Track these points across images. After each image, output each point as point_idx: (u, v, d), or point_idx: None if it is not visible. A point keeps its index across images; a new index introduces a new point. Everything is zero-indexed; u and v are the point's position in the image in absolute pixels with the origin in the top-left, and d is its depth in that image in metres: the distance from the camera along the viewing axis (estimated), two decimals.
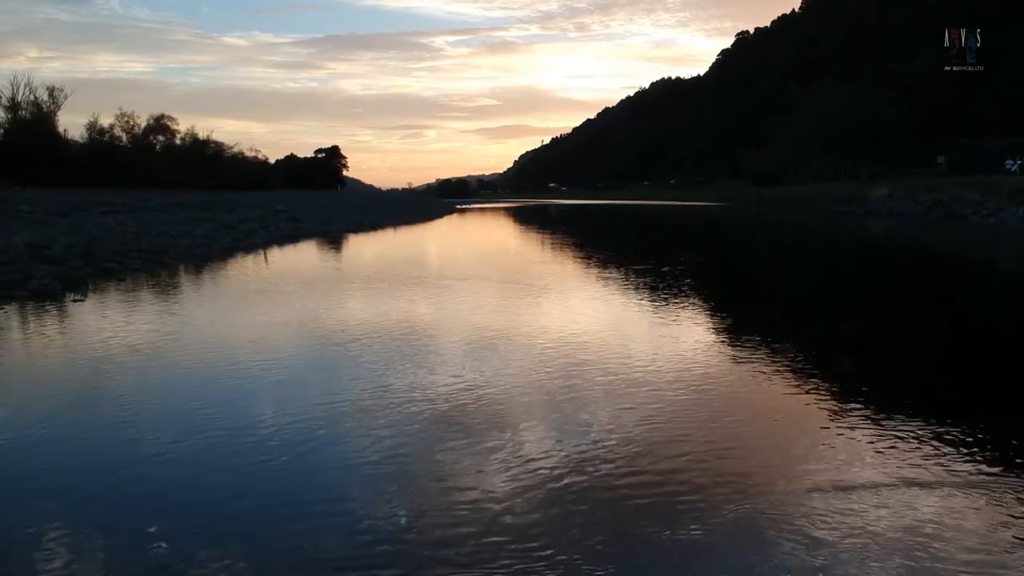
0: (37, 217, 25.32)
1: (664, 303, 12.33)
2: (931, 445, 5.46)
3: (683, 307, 11.96)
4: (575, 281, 15.93)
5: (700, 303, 12.78)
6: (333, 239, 29.59)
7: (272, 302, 12.72)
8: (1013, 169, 50.48)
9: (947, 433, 5.73)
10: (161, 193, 52.55)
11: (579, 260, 21.78)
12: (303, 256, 23.21)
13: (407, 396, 6.60)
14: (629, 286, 14.64)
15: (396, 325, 10.14)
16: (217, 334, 9.84)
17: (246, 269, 18.78)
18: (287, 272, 18.28)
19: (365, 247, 28.04)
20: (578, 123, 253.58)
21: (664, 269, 17.47)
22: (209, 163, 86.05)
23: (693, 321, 10.76)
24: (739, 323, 10.92)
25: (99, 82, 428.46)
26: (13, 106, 68.59)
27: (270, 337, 9.53)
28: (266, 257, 21.79)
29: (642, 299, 12.94)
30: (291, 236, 28.52)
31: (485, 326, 10.08)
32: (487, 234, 39.83)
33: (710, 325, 10.77)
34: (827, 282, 17.16)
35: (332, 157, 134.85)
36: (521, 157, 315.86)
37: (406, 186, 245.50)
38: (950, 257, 23.35)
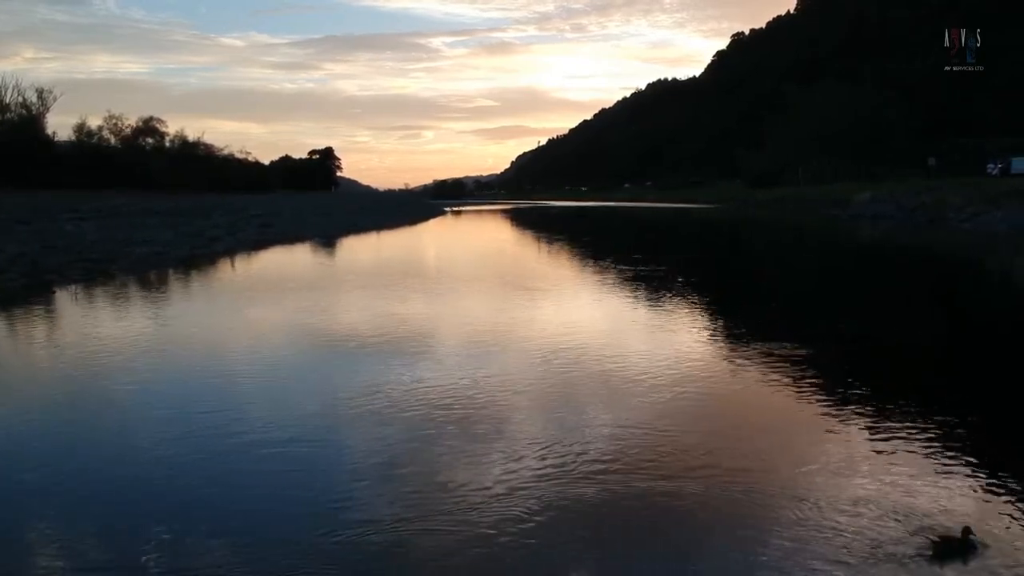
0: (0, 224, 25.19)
1: (630, 322, 12.10)
2: (927, 444, 5.59)
3: (654, 324, 11.70)
4: (531, 293, 15.65)
5: (675, 309, 12.52)
6: (302, 245, 29.35)
7: (179, 322, 12.32)
8: (994, 172, 50.13)
9: (943, 433, 5.88)
10: (158, 196, 52.30)
11: (547, 269, 21.53)
12: (257, 265, 22.98)
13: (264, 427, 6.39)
14: (591, 303, 14.40)
15: (313, 346, 9.94)
16: (100, 359, 9.41)
17: (184, 281, 18.53)
18: (225, 285, 18.07)
19: (327, 254, 27.80)
20: (575, 124, 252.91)
21: (635, 282, 17.21)
22: (204, 165, 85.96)
23: (666, 334, 10.48)
24: (713, 324, 10.81)
25: (96, 83, 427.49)
26: (1, 108, 68.56)
27: (145, 365, 8.99)
28: (233, 264, 21.69)
29: (605, 324, 12.69)
30: (257, 242, 28.27)
31: (410, 345, 9.85)
32: (464, 238, 39.63)
33: (687, 330, 10.52)
34: (792, 284, 16.92)
35: (326, 158, 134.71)
36: (519, 158, 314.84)
37: (403, 187, 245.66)
38: (909, 257, 23.11)
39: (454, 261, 24.56)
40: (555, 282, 17.34)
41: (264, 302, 14.50)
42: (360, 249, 30.26)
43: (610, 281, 17.23)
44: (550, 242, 34.10)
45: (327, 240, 32.45)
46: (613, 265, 21.55)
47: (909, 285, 17.48)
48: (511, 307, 13.28)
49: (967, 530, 4.10)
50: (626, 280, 17.42)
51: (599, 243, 32.89)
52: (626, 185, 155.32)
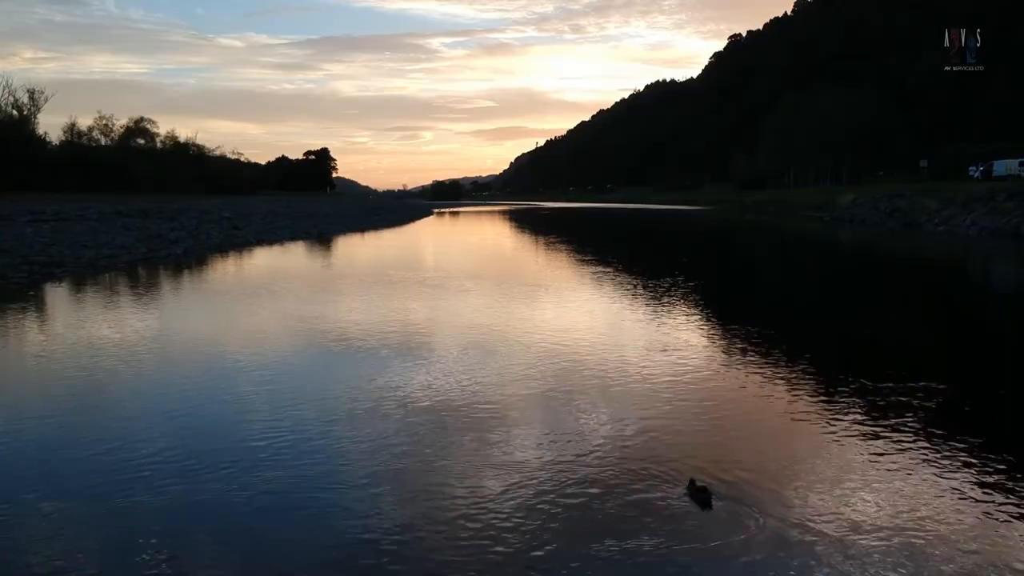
0: None
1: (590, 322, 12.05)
2: (915, 441, 5.83)
3: (605, 323, 11.67)
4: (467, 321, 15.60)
5: (629, 307, 12.50)
6: (266, 248, 29.23)
7: (83, 329, 12.22)
8: (976, 175, 50.05)
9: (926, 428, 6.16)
10: (142, 197, 52.09)
11: (510, 268, 21.45)
12: (203, 269, 22.93)
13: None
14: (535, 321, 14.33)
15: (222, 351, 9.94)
16: None
17: (120, 285, 18.49)
18: (149, 289, 18.06)
19: (285, 259, 27.73)
20: (574, 125, 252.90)
21: (603, 280, 17.12)
22: (195, 166, 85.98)
23: (625, 332, 10.46)
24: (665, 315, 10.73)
25: (95, 83, 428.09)
26: None
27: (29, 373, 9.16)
28: (181, 268, 21.64)
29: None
30: (219, 246, 28.18)
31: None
32: (440, 241, 39.62)
33: (645, 325, 10.52)
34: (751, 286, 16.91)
35: (322, 159, 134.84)
36: (517, 159, 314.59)
37: (401, 188, 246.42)
38: (868, 259, 23.16)
39: (416, 263, 24.47)
40: (506, 281, 17.27)
41: (177, 308, 14.47)
42: (322, 254, 30.14)
43: (572, 278, 17.14)
44: (527, 242, 34.05)
45: (295, 244, 32.37)
46: (581, 261, 21.45)
47: (856, 285, 17.43)
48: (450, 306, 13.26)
49: (692, 481, 5.11)
50: (594, 277, 17.36)
51: (571, 241, 32.80)
52: (617, 187, 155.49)
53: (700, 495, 4.96)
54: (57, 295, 16.13)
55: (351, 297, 15.75)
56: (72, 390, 8.12)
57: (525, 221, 59.31)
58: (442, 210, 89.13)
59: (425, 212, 76.68)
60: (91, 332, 11.44)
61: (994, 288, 18.88)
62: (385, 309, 13.63)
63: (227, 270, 22.32)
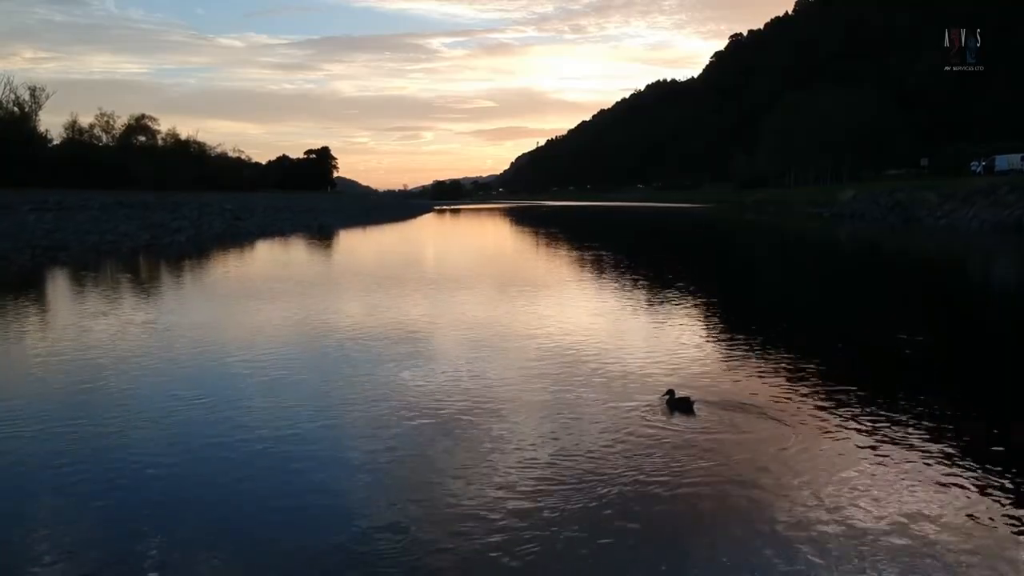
0: None
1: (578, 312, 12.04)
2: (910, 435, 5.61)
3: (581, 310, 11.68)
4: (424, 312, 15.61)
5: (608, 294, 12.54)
6: (266, 240, 29.22)
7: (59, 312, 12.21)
8: (977, 170, 50.06)
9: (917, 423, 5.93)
10: (144, 193, 51.82)
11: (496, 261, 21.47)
12: (199, 256, 22.88)
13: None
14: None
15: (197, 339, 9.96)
16: None
17: (124, 268, 18.53)
18: (159, 273, 18.07)
19: (289, 247, 27.74)
20: (574, 125, 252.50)
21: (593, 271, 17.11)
22: (196, 163, 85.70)
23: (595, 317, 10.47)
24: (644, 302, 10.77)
25: (95, 83, 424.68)
26: None
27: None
28: (179, 255, 21.64)
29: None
30: (219, 236, 28.20)
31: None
32: (431, 236, 39.67)
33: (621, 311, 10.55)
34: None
35: (322, 158, 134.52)
36: (518, 159, 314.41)
37: (402, 187, 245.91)
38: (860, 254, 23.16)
39: (398, 255, 24.50)
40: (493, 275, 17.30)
41: (182, 291, 14.51)
42: (328, 244, 30.17)
43: (570, 271, 17.18)
44: (524, 236, 34.02)
45: (298, 235, 32.37)
46: (582, 252, 21.46)
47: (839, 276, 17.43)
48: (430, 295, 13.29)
49: (671, 391, 6.05)
50: (583, 268, 17.38)
51: (572, 238, 32.83)
52: (620, 186, 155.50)
53: (682, 404, 5.77)
54: (60, 275, 16.15)
55: (355, 281, 15.78)
56: (68, 373, 8.13)
57: (525, 218, 59.38)
58: (442, 208, 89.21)
59: (425, 210, 76.77)
60: (98, 308, 11.47)
61: (996, 285, 18.78)
62: (397, 281, 13.65)
63: (229, 257, 22.33)
